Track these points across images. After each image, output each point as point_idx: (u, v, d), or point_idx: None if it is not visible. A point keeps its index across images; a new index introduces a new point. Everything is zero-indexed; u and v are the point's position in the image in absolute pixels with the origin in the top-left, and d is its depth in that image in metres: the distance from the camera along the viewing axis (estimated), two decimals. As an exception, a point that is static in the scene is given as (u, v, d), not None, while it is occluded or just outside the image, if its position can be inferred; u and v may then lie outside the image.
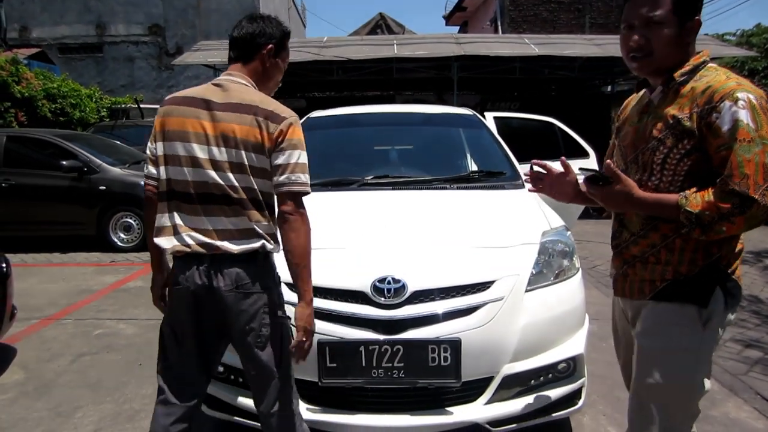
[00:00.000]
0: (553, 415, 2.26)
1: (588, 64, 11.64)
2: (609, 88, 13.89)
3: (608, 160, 1.61)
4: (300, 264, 1.80)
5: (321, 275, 2.20)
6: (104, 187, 6.97)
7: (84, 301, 4.89)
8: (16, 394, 3.17)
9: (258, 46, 1.88)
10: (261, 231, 1.80)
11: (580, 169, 1.68)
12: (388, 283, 2.12)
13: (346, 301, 2.14)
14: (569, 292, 2.38)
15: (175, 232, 1.79)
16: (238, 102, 1.78)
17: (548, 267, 2.39)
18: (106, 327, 4.19)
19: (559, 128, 6.20)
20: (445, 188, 3.04)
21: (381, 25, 19.19)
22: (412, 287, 2.12)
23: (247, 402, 2.18)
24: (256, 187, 1.77)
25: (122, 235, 7.08)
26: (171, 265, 1.89)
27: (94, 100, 14.32)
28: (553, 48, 10.26)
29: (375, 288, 2.12)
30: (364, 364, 2.07)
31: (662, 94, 1.62)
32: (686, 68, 1.57)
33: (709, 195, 1.46)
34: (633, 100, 1.82)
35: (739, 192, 1.41)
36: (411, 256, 2.29)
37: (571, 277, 2.43)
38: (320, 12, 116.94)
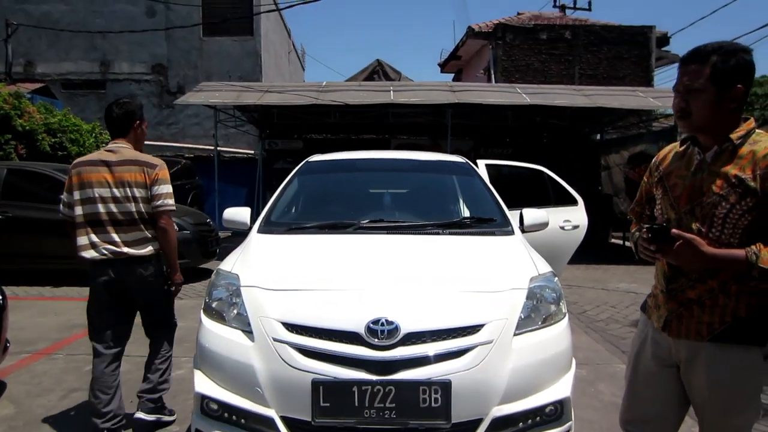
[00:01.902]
0: None
1: (578, 113, 11.98)
2: (598, 137, 14.24)
3: (674, 229, 1.75)
4: (172, 253, 3.06)
5: (316, 316, 2.28)
6: (101, 222, 7.02)
7: (76, 335, 4.89)
8: (5, 429, 3.16)
9: (131, 123, 3.03)
10: (150, 236, 2.97)
11: (647, 227, 1.80)
12: (382, 324, 2.19)
13: (341, 341, 2.20)
14: (556, 337, 2.46)
15: (94, 246, 2.88)
16: (126, 159, 2.93)
17: (536, 312, 2.47)
18: (98, 363, 4.18)
19: (548, 176, 6.37)
20: (438, 233, 3.13)
21: (378, 71, 19.65)
22: (405, 329, 2.19)
23: None
24: (143, 210, 2.94)
25: (116, 271, 7.10)
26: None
27: (93, 135, 14.50)
28: (544, 98, 10.58)
29: (369, 329, 2.18)
30: (356, 404, 2.12)
31: (716, 154, 1.79)
32: (741, 132, 1.76)
33: None
34: (671, 152, 1.98)
35: None
36: (404, 298, 2.37)
37: (558, 322, 2.51)
38: (319, 56, 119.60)
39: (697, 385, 1.82)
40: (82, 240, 2.87)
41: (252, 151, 16.27)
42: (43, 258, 7.23)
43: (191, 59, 18.10)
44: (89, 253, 2.87)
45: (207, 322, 2.51)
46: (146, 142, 11.83)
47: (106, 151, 2.96)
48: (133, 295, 3.01)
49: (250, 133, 15.38)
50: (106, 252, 2.86)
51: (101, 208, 2.88)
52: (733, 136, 1.75)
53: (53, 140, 12.50)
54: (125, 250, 2.88)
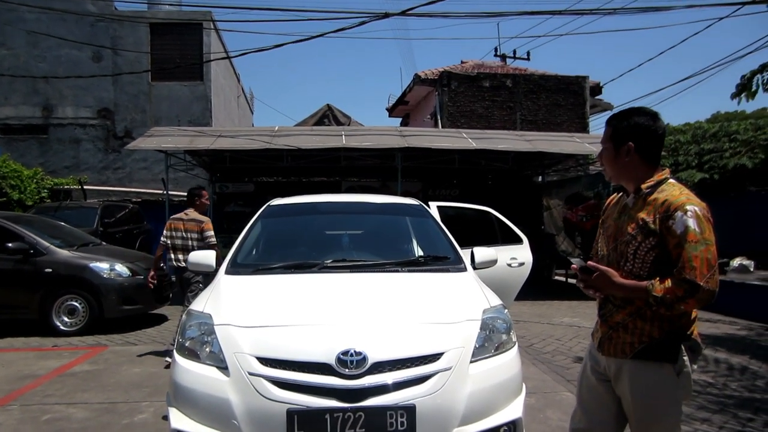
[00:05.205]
0: None
1: (520, 157, 12.64)
2: (540, 178, 14.99)
3: (590, 262, 2.11)
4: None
5: (289, 350, 2.45)
6: (50, 270, 6.89)
7: (28, 386, 4.76)
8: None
9: (193, 199, 5.94)
10: None
11: (571, 258, 2.18)
12: (351, 355, 2.38)
13: (313, 372, 2.37)
14: (508, 363, 2.71)
15: (176, 260, 5.70)
16: (190, 219, 5.81)
17: (489, 341, 2.72)
18: (54, 412, 4.12)
19: (495, 217, 6.76)
20: (397, 271, 3.37)
21: (328, 116, 20.02)
22: (372, 359, 2.39)
23: None
24: (196, 246, 5.58)
25: (66, 319, 6.93)
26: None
27: (35, 180, 14.12)
28: (488, 142, 11.13)
29: (339, 360, 2.37)
30: (329, 431, 2.28)
31: (634, 200, 2.14)
32: (650, 182, 2.10)
33: (668, 282, 1.93)
34: (614, 199, 2.33)
35: (689, 280, 1.90)
36: (370, 331, 2.57)
37: (509, 350, 2.76)
38: (267, 99, 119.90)
39: (623, 395, 2.11)
40: (171, 255, 5.73)
41: (202, 195, 16.17)
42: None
43: (139, 103, 18.04)
44: (174, 262, 5.71)
45: (181, 361, 2.62)
46: (92, 188, 11.91)
47: (183, 213, 5.84)
48: (184, 283, 5.65)
49: (201, 177, 15.32)
50: (178, 263, 5.64)
51: (177, 241, 5.71)
52: (643, 186, 2.11)
53: (-7, 186, 12.15)
54: (183, 265, 5.47)
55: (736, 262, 9.88)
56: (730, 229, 10.63)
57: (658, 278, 1.97)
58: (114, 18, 17.61)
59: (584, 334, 7.10)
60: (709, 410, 4.20)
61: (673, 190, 2.05)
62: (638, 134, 2.10)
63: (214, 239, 5.73)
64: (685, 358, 2.01)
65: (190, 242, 5.68)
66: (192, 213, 5.85)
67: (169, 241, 5.71)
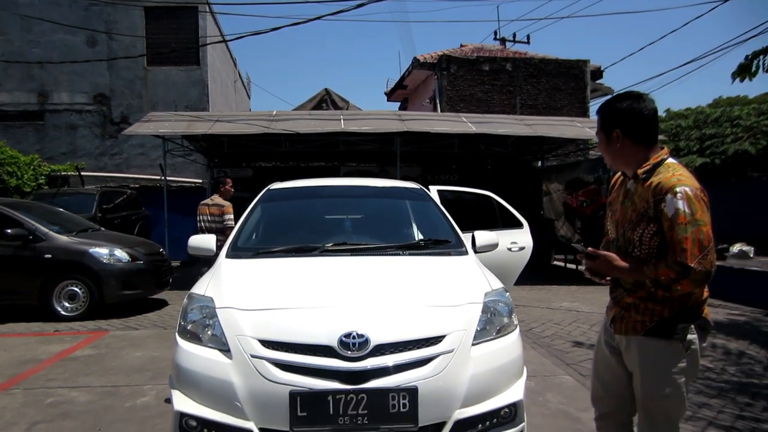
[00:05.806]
0: None
1: (520, 142, 12.60)
2: (539, 163, 14.96)
3: (591, 248, 2.16)
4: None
5: (292, 332, 2.46)
6: (50, 256, 6.89)
7: (31, 370, 4.78)
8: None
9: (218, 187, 7.16)
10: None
11: (573, 245, 2.21)
12: (353, 337, 2.38)
13: (315, 355, 2.37)
14: (509, 346, 2.71)
15: None
16: (214, 203, 6.90)
17: (490, 323, 2.73)
18: (58, 395, 4.13)
19: (496, 201, 6.76)
20: (399, 254, 3.37)
21: (326, 100, 19.91)
22: (374, 341, 2.39)
23: None
24: (217, 227, 6.64)
25: (66, 304, 6.95)
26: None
27: (32, 167, 14.06)
28: (488, 127, 11.08)
29: (341, 342, 2.37)
30: (331, 413, 2.29)
31: (634, 185, 2.14)
32: (646, 167, 2.10)
33: (662, 265, 1.96)
34: (619, 179, 2.33)
35: (680, 262, 1.92)
36: (372, 313, 2.57)
37: (510, 333, 2.77)
38: (265, 84, 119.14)
39: (631, 368, 2.16)
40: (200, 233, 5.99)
41: (200, 180, 16.13)
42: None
43: (135, 89, 17.86)
44: None
45: (183, 344, 2.63)
46: (89, 174, 12.21)
47: (210, 199, 6.87)
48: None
49: (198, 162, 15.27)
50: None
51: (205, 224, 6.62)
52: (640, 171, 2.11)
53: (-10, 173, 12.09)
54: None
55: (735, 247, 9.91)
56: (730, 215, 10.66)
57: (655, 260, 2.00)
58: (108, 2, 17.38)
59: (583, 319, 7.13)
60: (707, 395, 4.22)
61: (667, 173, 2.05)
62: (623, 119, 2.13)
63: (231, 222, 6.49)
64: (695, 336, 2.04)
65: (214, 224, 6.61)
66: (216, 198, 6.79)
67: (198, 225, 6.68)
